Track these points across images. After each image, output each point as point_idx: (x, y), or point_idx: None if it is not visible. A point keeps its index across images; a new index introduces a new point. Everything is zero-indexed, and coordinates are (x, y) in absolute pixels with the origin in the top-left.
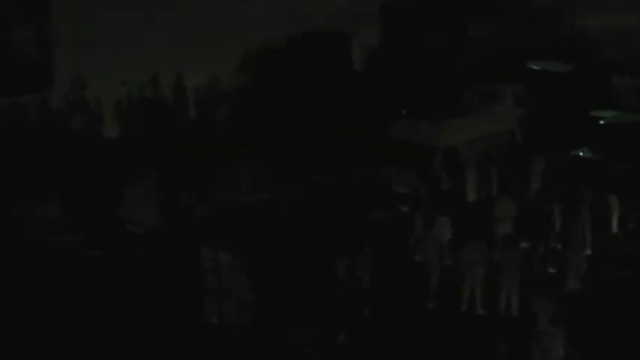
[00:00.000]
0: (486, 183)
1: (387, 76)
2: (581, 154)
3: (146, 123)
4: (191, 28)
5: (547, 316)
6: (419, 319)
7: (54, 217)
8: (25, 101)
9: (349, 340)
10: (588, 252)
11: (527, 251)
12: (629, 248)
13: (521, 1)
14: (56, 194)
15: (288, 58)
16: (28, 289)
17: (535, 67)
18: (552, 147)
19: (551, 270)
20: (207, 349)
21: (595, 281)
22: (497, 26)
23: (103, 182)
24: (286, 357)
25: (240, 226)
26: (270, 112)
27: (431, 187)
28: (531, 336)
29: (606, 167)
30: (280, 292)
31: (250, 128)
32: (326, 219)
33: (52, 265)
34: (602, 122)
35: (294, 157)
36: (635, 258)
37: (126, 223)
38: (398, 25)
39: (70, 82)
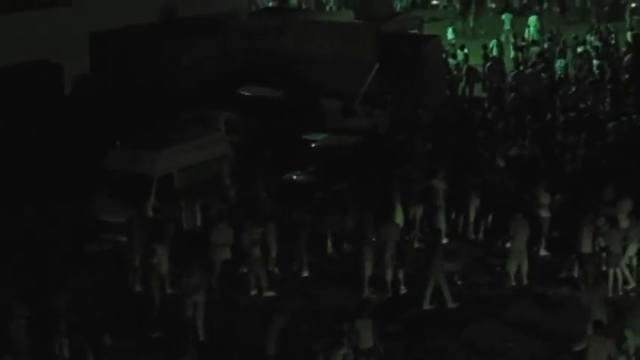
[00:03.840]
0: (204, 210)
1: (100, 106)
2: (295, 177)
3: None
4: None
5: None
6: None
7: None
8: None
9: None
10: (306, 274)
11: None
12: (345, 268)
13: (233, 28)
14: None
15: None
16: None
17: (246, 94)
18: (267, 171)
19: (269, 293)
20: None
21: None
22: (209, 54)
23: None
24: None
25: None
26: None
27: (146, 216)
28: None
29: (321, 189)
30: None
31: None
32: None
33: None
34: (313, 145)
35: None
36: (351, 275)
37: None
38: (109, 55)
39: None
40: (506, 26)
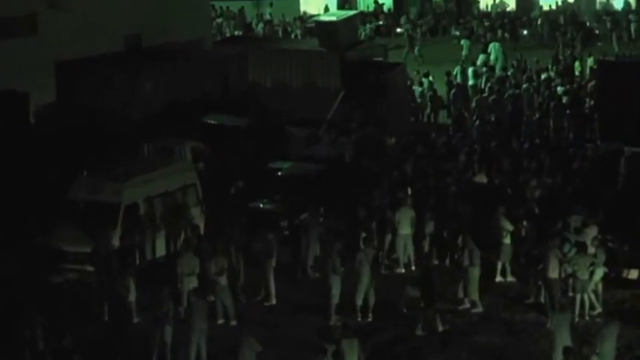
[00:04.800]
0: (170, 239)
1: (65, 135)
2: (261, 205)
3: None
4: None
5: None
6: None
7: None
8: None
9: None
10: (272, 302)
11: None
12: (312, 296)
13: (198, 56)
14: None
15: None
16: None
17: (212, 122)
18: (232, 200)
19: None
20: None
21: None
22: (174, 83)
23: None
24: None
25: None
26: None
27: (112, 245)
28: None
29: (287, 217)
30: None
31: None
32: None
33: None
34: (279, 173)
35: None
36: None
37: None
38: (73, 84)
39: None
40: (464, 52)
